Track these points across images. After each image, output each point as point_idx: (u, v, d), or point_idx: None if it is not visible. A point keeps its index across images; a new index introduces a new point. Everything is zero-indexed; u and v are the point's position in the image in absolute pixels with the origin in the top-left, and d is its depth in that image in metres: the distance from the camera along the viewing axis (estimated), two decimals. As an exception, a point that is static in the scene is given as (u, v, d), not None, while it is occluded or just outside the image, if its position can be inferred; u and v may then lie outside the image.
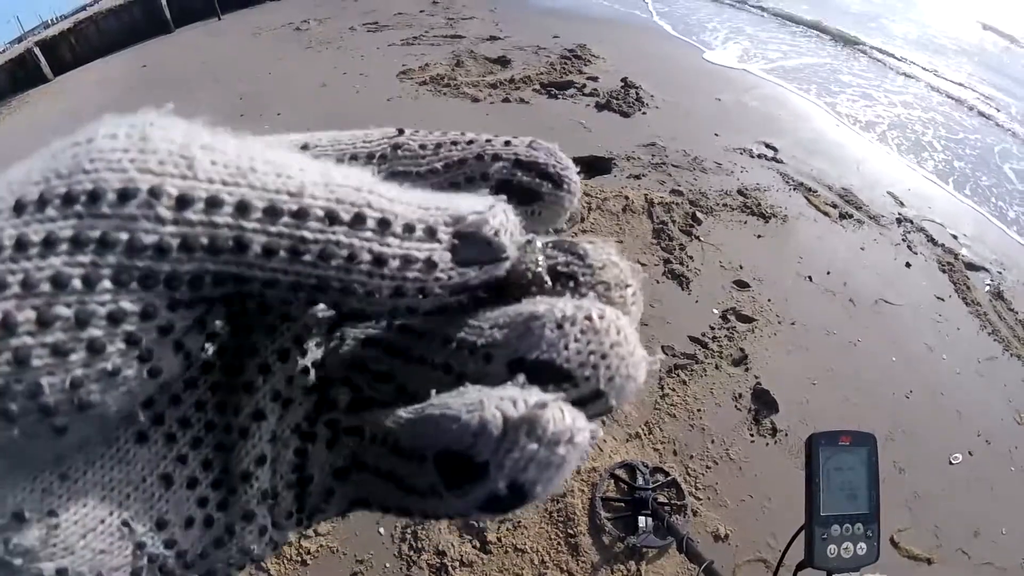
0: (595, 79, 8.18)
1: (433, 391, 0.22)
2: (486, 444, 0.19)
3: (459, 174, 0.27)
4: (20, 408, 0.17)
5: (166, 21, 14.08)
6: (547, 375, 0.21)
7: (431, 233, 0.21)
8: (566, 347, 0.21)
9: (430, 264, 0.21)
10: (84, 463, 0.21)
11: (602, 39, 9.49)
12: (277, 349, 0.25)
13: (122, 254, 0.18)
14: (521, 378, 0.21)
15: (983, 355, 4.66)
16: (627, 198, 5.65)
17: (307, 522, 0.26)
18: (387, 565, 3.05)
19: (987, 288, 5.29)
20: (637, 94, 7.68)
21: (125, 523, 0.21)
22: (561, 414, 0.19)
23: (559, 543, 3.17)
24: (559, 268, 0.24)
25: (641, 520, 3.19)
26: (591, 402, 0.22)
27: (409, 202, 0.21)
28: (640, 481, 3.39)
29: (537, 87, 8.04)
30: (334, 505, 0.26)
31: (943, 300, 5.08)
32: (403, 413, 0.23)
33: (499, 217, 0.23)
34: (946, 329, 4.82)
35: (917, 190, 6.44)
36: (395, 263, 0.21)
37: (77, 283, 0.17)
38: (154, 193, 0.18)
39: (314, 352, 0.26)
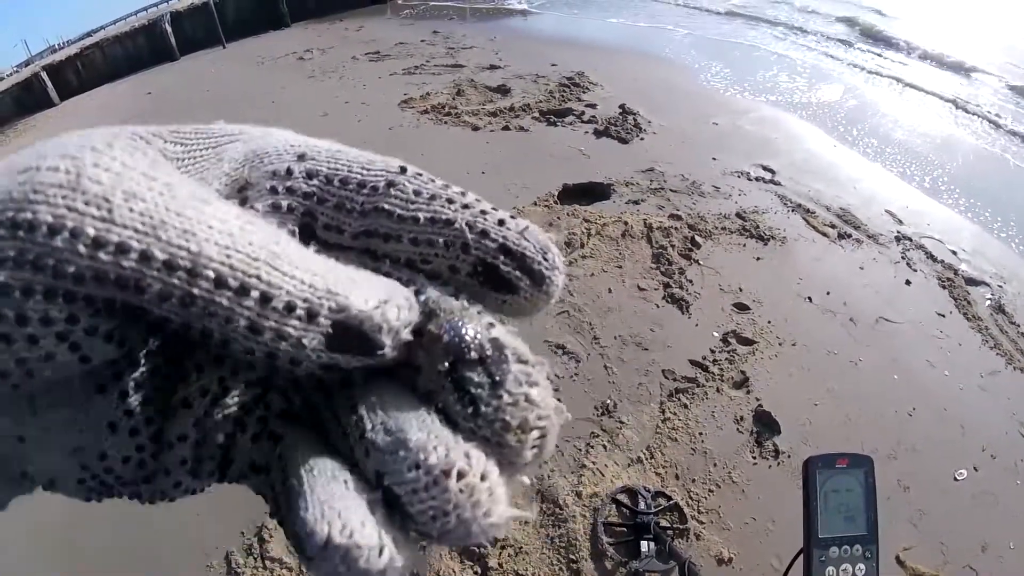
0: (593, 106, 8.28)
1: (313, 467, 0.25)
2: (311, 548, 0.22)
3: (440, 235, 0.27)
4: None
5: (171, 49, 14.31)
6: (394, 502, 0.24)
7: (311, 316, 0.23)
8: (414, 491, 0.23)
9: (300, 344, 0.23)
10: (50, 403, 0.25)
11: (599, 66, 9.63)
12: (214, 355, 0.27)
13: (50, 276, 0.21)
14: (377, 495, 0.24)
15: (986, 370, 4.61)
16: (626, 223, 5.70)
17: (226, 483, 0.29)
18: (390, 593, 3.05)
19: (988, 302, 5.26)
20: (635, 120, 7.76)
21: (77, 448, 0.26)
22: (379, 559, 0.22)
23: (561, 569, 3.16)
24: (469, 388, 0.25)
25: (643, 545, 3.18)
26: (424, 537, 0.24)
27: (303, 279, 0.23)
28: (642, 505, 3.38)
29: (536, 115, 8.15)
30: (249, 486, 0.29)
31: (944, 316, 5.05)
32: (293, 483, 0.25)
33: (390, 314, 0.24)
34: (948, 345, 4.78)
35: (915, 207, 6.43)
36: (268, 335, 0.23)
37: (17, 293, 0.21)
38: (74, 233, 0.21)
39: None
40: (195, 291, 0.22)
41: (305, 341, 0.23)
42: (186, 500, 0.30)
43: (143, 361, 0.25)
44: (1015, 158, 7.79)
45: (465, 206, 0.28)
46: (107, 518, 3.38)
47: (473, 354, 0.25)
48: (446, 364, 0.25)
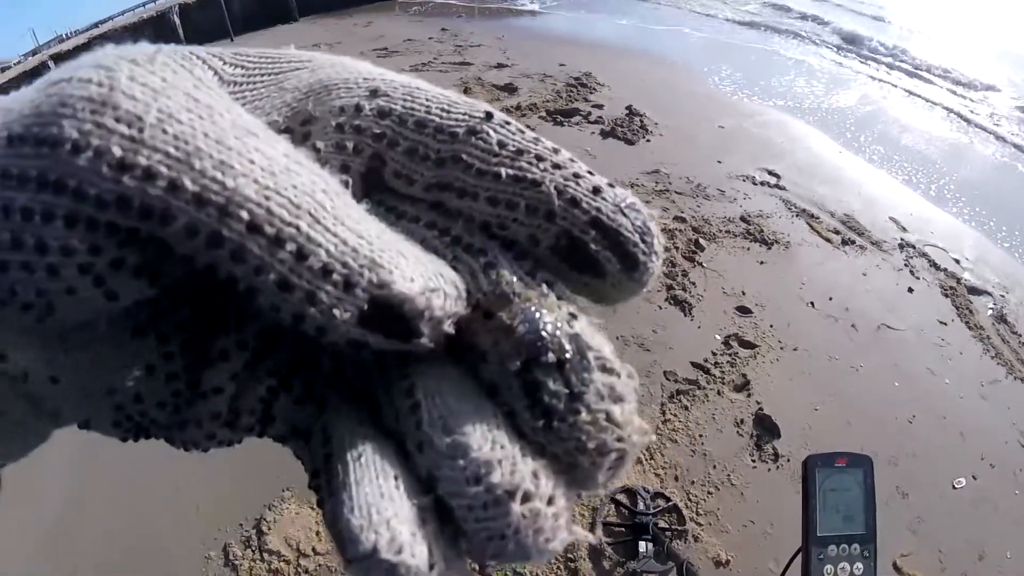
0: (600, 107, 8.27)
1: (362, 454, 0.22)
2: (353, 553, 0.20)
3: (522, 197, 0.24)
4: (4, 298, 0.20)
5: (179, 41, 14.17)
6: (447, 514, 0.21)
7: (347, 286, 0.20)
8: (471, 508, 0.20)
9: (330, 314, 0.20)
10: (86, 339, 0.23)
11: (607, 67, 9.61)
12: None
13: (71, 199, 0.19)
14: (429, 501, 0.21)
15: (986, 378, 4.62)
16: (630, 224, 5.68)
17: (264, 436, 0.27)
18: (388, 588, 3.05)
19: (990, 312, 5.27)
20: (641, 122, 7.76)
21: (111, 390, 0.24)
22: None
23: (558, 568, 3.18)
24: (543, 396, 0.21)
25: (642, 545, 3.19)
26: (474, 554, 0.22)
27: (346, 239, 0.20)
28: (641, 506, 3.40)
29: (543, 114, 8.13)
30: (289, 448, 0.27)
31: (946, 324, 5.06)
32: (338, 468, 0.22)
33: (435, 302, 0.21)
34: (949, 353, 4.79)
35: (919, 214, 6.44)
36: (299, 294, 0.20)
37: (37, 218, 0.19)
38: (98, 152, 0.19)
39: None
40: (224, 232, 0.19)
41: (336, 312, 0.20)
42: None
43: (182, 304, 0.23)
44: (1023, 166, 7.79)
45: (556, 166, 0.24)
46: (105, 511, 3.41)
47: (551, 356, 0.21)
48: (518, 364, 0.22)
